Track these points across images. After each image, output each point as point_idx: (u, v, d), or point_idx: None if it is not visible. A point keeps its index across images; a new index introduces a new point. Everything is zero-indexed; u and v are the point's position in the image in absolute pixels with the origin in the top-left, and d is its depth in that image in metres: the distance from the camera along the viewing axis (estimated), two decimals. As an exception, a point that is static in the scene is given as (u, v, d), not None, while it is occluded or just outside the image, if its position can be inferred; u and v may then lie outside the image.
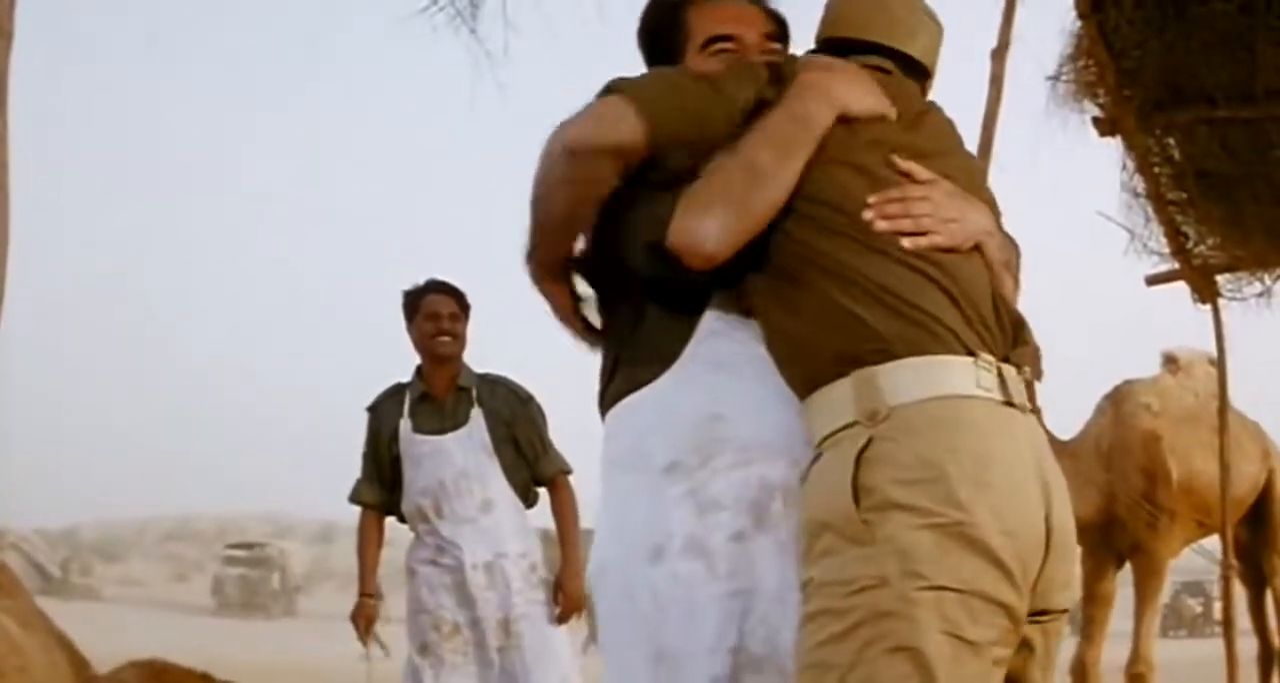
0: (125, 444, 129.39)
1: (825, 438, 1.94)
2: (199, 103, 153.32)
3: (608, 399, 2.22)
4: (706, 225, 1.95)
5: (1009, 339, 2.01)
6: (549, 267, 2.20)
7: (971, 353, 1.93)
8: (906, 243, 1.97)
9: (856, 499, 1.84)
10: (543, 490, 4.96)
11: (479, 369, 4.93)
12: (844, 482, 1.86)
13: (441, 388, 4.85)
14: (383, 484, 4.91)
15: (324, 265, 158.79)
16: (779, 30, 2.29)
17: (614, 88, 2.05)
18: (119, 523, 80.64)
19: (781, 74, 2.09)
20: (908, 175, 2.05)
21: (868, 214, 1.98)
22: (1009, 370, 1.97)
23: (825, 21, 2.27)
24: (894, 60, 2.19)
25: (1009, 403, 1.94)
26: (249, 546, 49.60)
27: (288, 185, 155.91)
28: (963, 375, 1.91)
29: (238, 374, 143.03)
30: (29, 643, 3.19)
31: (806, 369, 1.99)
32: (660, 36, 2.28)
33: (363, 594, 4.98)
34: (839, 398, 1.92)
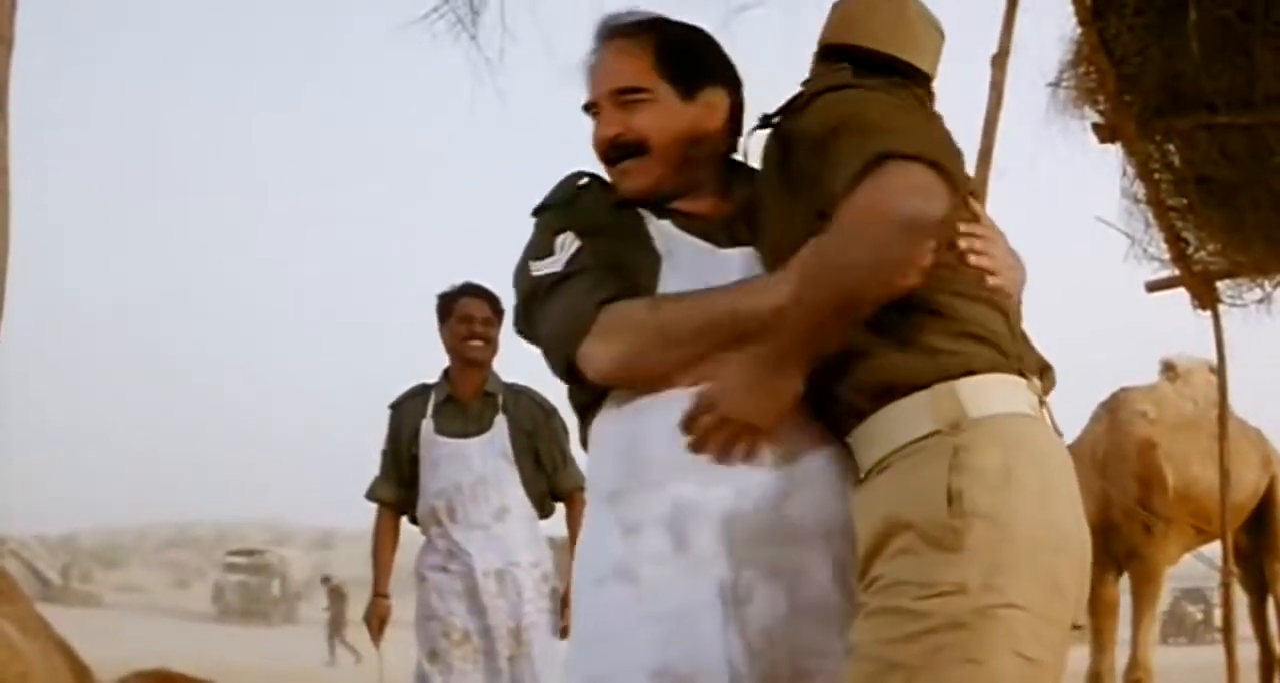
0: (125, 450, 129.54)
1: (900, 447, 1.96)
2: (199, 103, 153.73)
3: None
4: (603, 352, 2.06)
5: (1038, 374, 2.09)
6: (809, 358, 1.96)
7: (1025, 376, 2.01)
8: (990, 281, 2.05)
9: (949, 503, 1.87)
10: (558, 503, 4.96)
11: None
12: (937, 486, 1.88)
13: (468, 392, 4.86)
14: (401, 482, 4.89)
15: (324, 268, 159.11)
16: (664, 65, 2.17)
17: (910, 154, 1.88)
18: (119, 529, 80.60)
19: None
20: (976, 219, 2.11)
21: (964, 244, 2.04)
22: (1044, 398, 2.06)
23: (835, 24, 2.26)
24: (904, 73, 2.19)
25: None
26: (249, 552, 49.62)
27: (288, 187, 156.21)
28: (1023, 396, 1.99)
29: (238, 379, 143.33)
30: (30, 649, 3.19)
31: (880, 394, 1.99)
32: None
33: (377, 594, 4.96)
34: (915, 408, 1.95)
